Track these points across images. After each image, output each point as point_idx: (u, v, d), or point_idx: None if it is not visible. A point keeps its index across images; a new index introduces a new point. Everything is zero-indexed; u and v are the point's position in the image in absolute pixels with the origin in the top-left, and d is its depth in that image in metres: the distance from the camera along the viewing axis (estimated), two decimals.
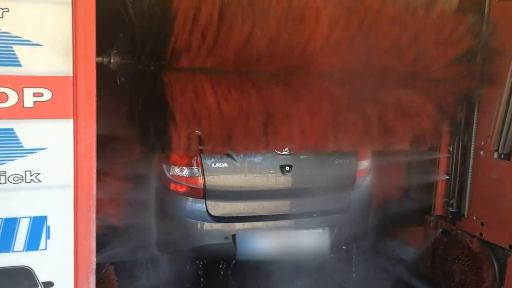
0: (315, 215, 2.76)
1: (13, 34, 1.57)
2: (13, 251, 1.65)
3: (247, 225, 2.66)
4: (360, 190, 2.89)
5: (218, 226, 2.62)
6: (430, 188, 3.05)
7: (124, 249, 2.49)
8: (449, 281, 2.91)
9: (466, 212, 2.85)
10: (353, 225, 2.87)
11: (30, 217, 1.66)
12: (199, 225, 2.61)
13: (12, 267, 1.65)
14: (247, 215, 2.68)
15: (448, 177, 2.95)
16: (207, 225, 2.62)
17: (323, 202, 2.79)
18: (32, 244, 1.67)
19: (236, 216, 2.66)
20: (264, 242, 2.68)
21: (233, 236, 2.61)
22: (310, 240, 2.75)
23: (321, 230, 2.74)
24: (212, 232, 2.63)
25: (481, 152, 2.75)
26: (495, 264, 2.64)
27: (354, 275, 3.18)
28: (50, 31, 1.61)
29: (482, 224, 2.73)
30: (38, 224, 1.67)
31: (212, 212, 2.61)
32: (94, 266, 1.74)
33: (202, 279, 2.85)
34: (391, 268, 3.21)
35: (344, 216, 2.82)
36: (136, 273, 2.78)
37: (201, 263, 2.83)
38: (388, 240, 3.35)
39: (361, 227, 2.96)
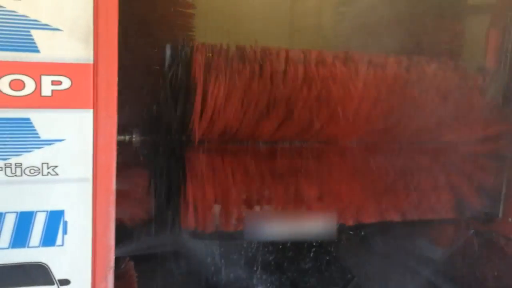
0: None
1: (31, 18, 1.46)
2: (28, 247, 1.57)
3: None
4: None
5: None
6: None
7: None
8: (480, 286, 2.78)
9: (500, 213, 2.72)
10: None
11: (47, 211, 1.58)
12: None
13: (27, 263, 1.58)
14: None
15: None
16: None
17: None
18: (48, 239, 1.59)
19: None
20: (271, 223, 2.67)
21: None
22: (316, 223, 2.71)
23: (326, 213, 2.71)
24: None
25: None
26: None
27: (376, 271, 3.11)
28: (70, 15, 1.49)
29: None
30: (55, 219, 1.59)
31: None
32: (112, 263, 1.65)
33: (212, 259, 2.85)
34: (416, 267, 3.11)
35: None
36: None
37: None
38: (413, 237, 3.25)
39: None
